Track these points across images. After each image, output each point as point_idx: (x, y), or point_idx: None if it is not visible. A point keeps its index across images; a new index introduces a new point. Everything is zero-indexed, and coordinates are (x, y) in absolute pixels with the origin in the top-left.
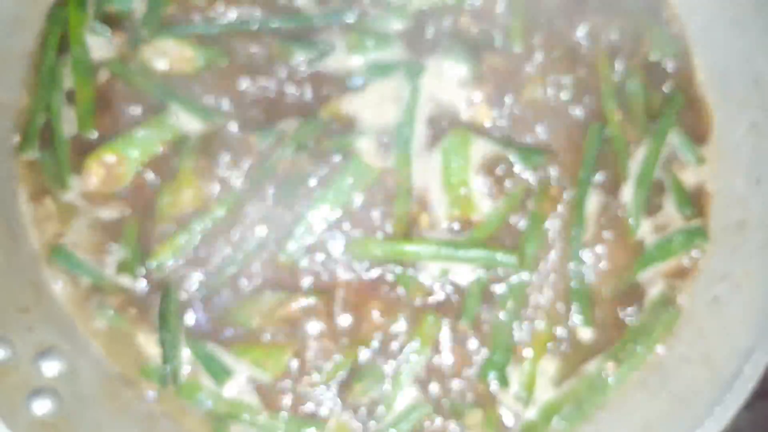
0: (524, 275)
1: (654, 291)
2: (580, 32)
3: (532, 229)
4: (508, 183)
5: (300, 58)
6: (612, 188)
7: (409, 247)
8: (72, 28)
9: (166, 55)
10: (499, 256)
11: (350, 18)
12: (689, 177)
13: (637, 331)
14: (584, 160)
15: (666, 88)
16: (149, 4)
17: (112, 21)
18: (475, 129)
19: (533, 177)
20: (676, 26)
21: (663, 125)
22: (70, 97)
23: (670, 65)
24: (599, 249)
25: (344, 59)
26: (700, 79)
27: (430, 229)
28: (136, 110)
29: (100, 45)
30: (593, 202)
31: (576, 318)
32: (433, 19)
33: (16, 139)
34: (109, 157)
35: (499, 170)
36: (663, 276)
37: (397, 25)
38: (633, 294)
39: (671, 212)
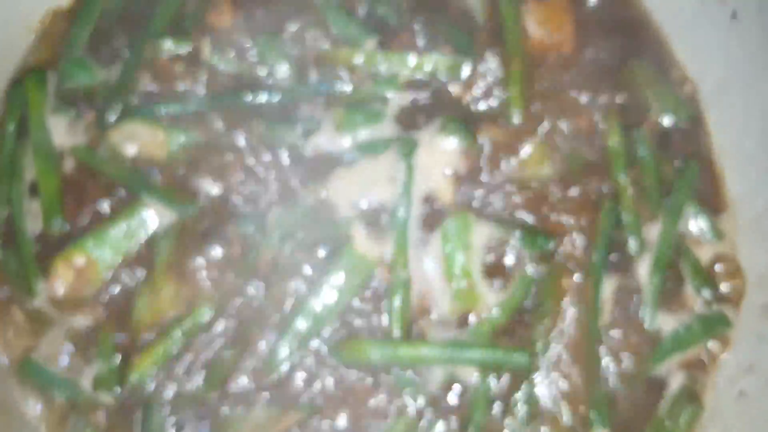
0: (536, 374)
1: (674, 384)
2: (585, 99)
3: (541, 323)
4: (513, 269)
5: (283, 138)
6: (625, 268)
7: (410, 351)
8: (31, 110)
9: (136, 139)
10: (509, 356)
11: (335, 92)
12: (707, 252)
13: (657, 430)
14: (597, 243)
15: (679, 156)
16: (118, 79)
17: (76, 100)
18: (475, 210)
19: (541, 261)
20: (688, 87)
21: (677, 200)
22: (33, 188)
23: (682, 130)
24: (615, 336)
25: (331, 137)
26: (715, 144)
27: (431, 325)
28: (106, 202)
29: (64, 128)
30: (606, 284)
31: (593, 419)
32: (424, 90)
33: None
34: (78, 259)
35: (504, 256)
36: (683, 367)
37: (386, 98)
38: (652, 388)
39: (689, 294)
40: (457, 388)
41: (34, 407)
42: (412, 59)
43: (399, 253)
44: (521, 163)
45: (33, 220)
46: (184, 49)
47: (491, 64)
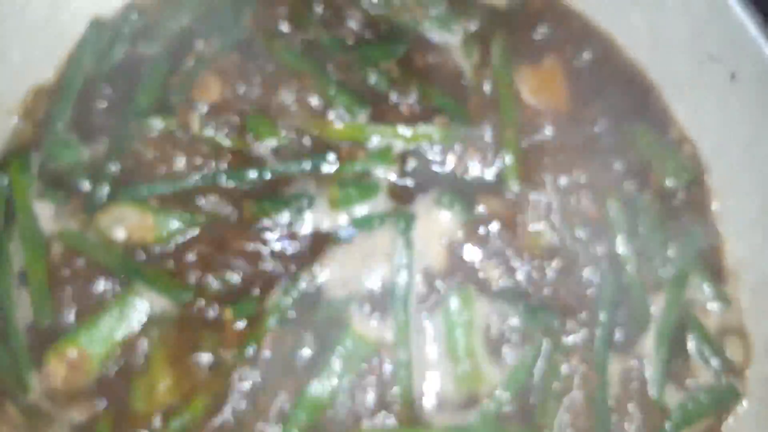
0: None
1: None
2: (582, 167)
3: (547, 401)
4: (516, 346)
5: (277, 218)
6: (631, 341)
7: None
8: (16, 195)
9: (124, 222)
10: None
11: (328, 167)
12: (713, 320)
13: None
14: (601, 316)
15: (681, 221)
16: (104, 159)
17: (62, 182)
18: (476, 284)
19: (545, 337)
20: (688, 148)
21: (681, 268)
22: (23, 276)
23: (683, 194)
24: (623, 411)
25: (325, 214)
26: (716, 207)
27: (435, 408)
28: (97, 288)
29: (50, 212)
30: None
31: None
32: (418, 162)
33: None
34: (71, 352)
35: (507, 332)
36: None
37: (380, 171)
38: None
39: (697, 364)
40: None
41: None
42: (405, 131)
43: (400, 333)
44: (521, 235)
45: (23, 309)
46: (171, 125)
47: (485, 132)
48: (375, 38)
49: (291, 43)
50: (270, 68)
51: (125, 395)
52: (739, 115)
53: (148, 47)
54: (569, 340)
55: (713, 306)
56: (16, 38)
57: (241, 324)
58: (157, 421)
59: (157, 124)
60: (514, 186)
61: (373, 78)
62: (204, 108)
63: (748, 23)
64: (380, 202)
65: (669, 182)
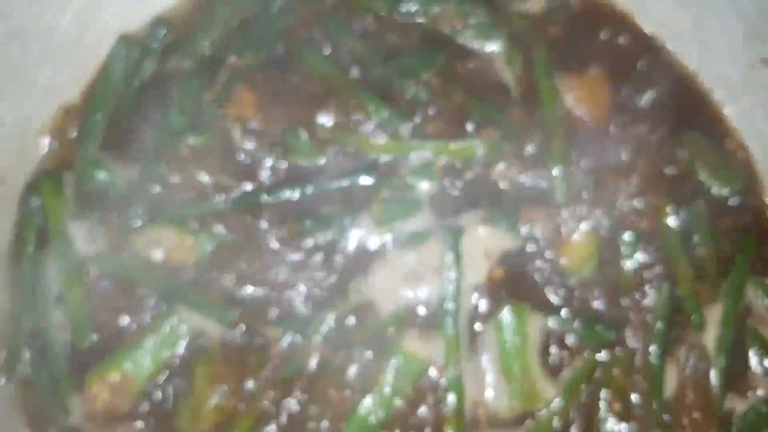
0: None
1: None
2: (633, 178)
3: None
4: (572, 360)
5: (320, 235)
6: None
7: None
8: (50, 217)
9: (162, 244)
10: None
11: (369, 184)
12: None
13: None
14: (655, 329)
15: (735, 230)
16: (139, 178)
17: (96, 203)
18: (528, 300)
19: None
20: (742, 155)
21: (737, 278)
22: (61, 298)
23: (736, 202)
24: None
25: (370, 232)
26: None
27: (488, 427)
28: (137, 310)
29: (85, 234)
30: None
31: None
32: (462, 176)
33: (3, 354)
34: (113, 376)
35: (563, 348)
36: None
37: (424, 186)
38: None
39: (758, 375)
40: None
41: None
42: (448, 145)
43: (451, 350)
44: (570, 248)
45: (62, 331)
46: (207, 141)
47: (530, 143)
48: (414, 50)
49: (328, 56)
50: (307, 83)
51: (169, 417)
52: None
53: (178, 63)
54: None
55: None
56: (44, 60)
57: (285, 343)
58: None
59: (193, 141)
60: (560, 196)
61: (413, 90)
62: (239, 125)
63: None
64: (425, 218)
65: (722, 191)
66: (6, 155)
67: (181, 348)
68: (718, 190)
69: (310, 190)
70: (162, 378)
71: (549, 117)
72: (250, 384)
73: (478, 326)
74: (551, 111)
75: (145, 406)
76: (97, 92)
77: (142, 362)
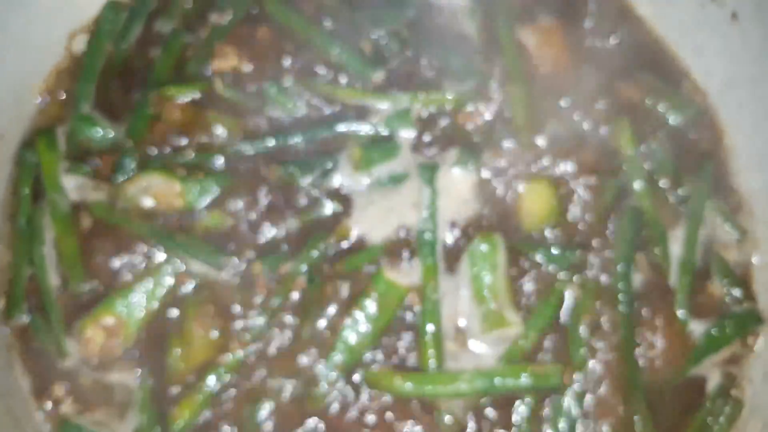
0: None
1: (712, 383)
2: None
3: (574, 337)
4: (543, 286)
5: (302, 180)
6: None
7: (441, 387)
8: (45, 171)
9: (152, 191)
10: (543, 378)
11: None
12: (734, 255)
13: (698, 429)
14: (622, 251)
15: (693, 157)
16: (128, 131)
17: (88, 156)
18: (500, 230)
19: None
20: (698, 95)
21: (696, 201)
22: (56, 247)
23: (693, 131)
24: (649, 339)
25: (349, 175)
26: (727, 142)
27: (460, 350)
28: (129, 256)
29: (78, 185)
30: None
31: (637, 425)
32: (434, 123)
33: (1, 302)
34: (107, 320)
35: (531, 274)
36: (718, 365)
37: (401, 133)
38: (691, 389)
39: (718, 295)
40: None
41: None
42: (420, 95)
43: (429, 277)
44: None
45: (58, 279)
46: (193, 94)
47: (493, 89)
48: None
49: (300, 11)
50: (282, 36)
51: (162, 357)
52: (742, 53)
53: (164, 25)
54: (592, 277)
55: (731, 237)
56: (36, 22)
57: (272, 279)
58: (192, 378)
59: (177, 93)
60: (525, 137)
61: (384, 42)
62: (221, 78)
63: None
64: (402, 162)
65: (677, 118)
66: (3, 113)
67: (171, 291)
68: (674, 120)
69: (290, 139)
70: (155, 319)
71: (509, 63)
72: (239, 323)
73: (454, 257)
74: (511, 57)
75: (138, 349)
76: (87, 55)
77: (135, 306)
